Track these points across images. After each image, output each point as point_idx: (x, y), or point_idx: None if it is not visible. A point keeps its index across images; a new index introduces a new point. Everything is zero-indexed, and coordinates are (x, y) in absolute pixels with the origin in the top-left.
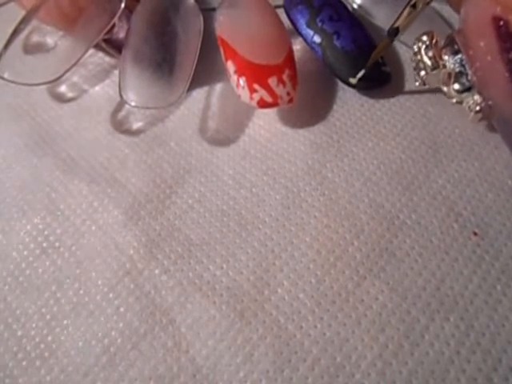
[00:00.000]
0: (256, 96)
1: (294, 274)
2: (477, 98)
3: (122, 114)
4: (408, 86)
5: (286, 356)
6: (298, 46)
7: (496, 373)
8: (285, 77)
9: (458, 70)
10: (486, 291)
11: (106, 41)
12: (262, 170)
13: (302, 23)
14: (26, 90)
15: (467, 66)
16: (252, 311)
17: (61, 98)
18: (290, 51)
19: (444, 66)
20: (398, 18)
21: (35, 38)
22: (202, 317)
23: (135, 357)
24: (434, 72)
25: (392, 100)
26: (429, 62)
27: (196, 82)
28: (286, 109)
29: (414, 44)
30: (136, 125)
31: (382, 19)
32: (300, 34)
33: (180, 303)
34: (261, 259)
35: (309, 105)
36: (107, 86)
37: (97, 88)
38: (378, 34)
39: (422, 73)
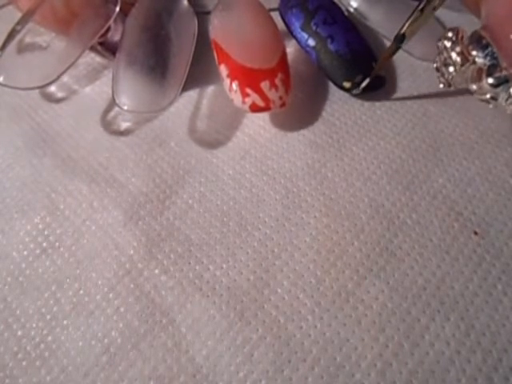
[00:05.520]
0: (248, 100)
1: (294, 274)
2: None
3: (122, 114)
4: (408, 85)
5: (285, 356)
6: (293, 48)
7: (496, 373)
8: (277, 81)
9: (489, 63)
10: (486, 291)
11: (101, 43)
12: (261, 170)
13: (296, 26)
14: (26, 90)
15: (500, 59)
16: (252, 311)
17: (60, 98)
18: (284, 55)
19: (474, 62)
20: (404, 24)
21: (30, 41)
22: (202, 317)
23: (135, 357)
24: (463, 68)
25: (392, 99)
26: (457, 58)
27: (196, 82)
28: (286, 109)
29: (439, 42)
30: (136, 125)
31: (378, 22)
32: (294, 37)
33: (180, 303)
34: (261, 259)
35: (308, 104)
36: (107, 86)
37: (96, 88)
38: (374, 37)
39: (451, 69)
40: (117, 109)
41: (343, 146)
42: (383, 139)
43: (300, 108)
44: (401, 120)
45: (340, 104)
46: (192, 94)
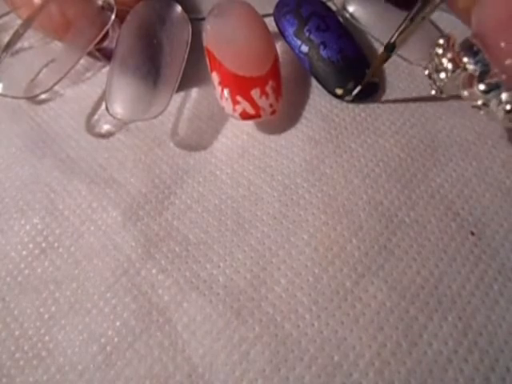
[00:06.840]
0: (239, 108)
1: (292, 272)
2: (506, 96)
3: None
4: (406, 85)
5: (282, 355)
6: (289, 51)
7: (493, 373)
8: (268, 88)
9: (480, 69)
10: (483, 291)
11: (99, 50)
12: (259, 168)
13: (290, 33)
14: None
15: (491, 65)
16: (248, 310)
17: (60, 98)
18: (275, 62)
19: (465, 68)
20: (394, 33)
21: (27, 49)
22: (199, 316)
23: (131, 356)
24: (454, 74)
25: (391, 97)
26: (449, 65)
27: (195, 82)
28: (285, 104)
29: (430, 49)
30: (135, 125)
31: (374, 27)
32: (288, 44)
33: (176, 302)
34: (258, 257)
35: (307, 100)
36: None
37: (96, 89)
38: (369, 42)
39: (442, 75)
40: None
41: (342, 141)
42: (382, 137)
43: (298, 104)
44: (399, 119)
45: (339, 100)
46: (191, 94)
